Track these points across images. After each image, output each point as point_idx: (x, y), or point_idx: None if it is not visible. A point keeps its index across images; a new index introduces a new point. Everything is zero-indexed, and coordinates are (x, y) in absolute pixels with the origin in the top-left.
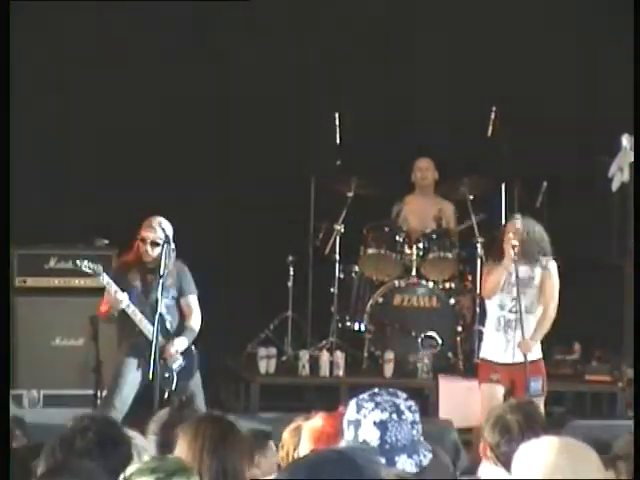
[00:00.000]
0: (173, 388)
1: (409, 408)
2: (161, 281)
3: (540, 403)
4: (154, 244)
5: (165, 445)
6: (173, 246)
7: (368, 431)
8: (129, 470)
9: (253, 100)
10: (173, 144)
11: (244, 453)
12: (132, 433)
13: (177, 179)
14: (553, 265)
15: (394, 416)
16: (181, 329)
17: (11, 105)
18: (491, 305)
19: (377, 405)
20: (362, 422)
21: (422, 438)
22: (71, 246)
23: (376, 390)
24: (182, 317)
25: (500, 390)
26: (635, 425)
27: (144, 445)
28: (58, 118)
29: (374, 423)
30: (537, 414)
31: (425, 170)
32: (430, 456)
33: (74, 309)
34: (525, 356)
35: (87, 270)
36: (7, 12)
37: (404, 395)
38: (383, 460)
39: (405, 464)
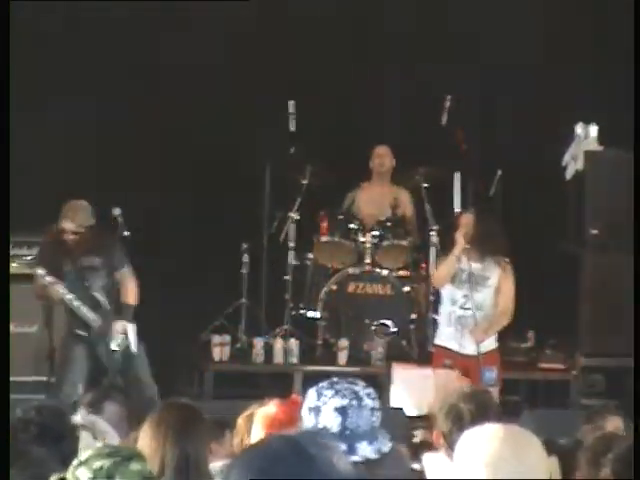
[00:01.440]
0: (118, 367)
1: (368, 395)
2: (89, 261)
3: (494, 393)
4: (75, 234)
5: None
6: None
7: (328, 417)
8: (84, 455)
9: (208, 86)
10: (130, 126)
11: (207, 440)
12: (93, 418)
13: (131, 162)
14: (509, 267)
15: (354, 402)
16: (119, 306)
17: None
18: (444, 298)
19: (337, 392)
20: (322, 409)
21: (382, 426)
22: (27, 233)
23: (335, 379)
24: (118, 294)
25: (454, 375)
26: (635, 425)
27: (106, 429)
28: None
29: (335, 409)
30: (491, 403)
31: (383, 157)
32: (390, 444)
33: (28, 296)
34: (478, 347)
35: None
36: (7, 12)
37: (363, 383)
38: (344, 446)
39: (365, 450)
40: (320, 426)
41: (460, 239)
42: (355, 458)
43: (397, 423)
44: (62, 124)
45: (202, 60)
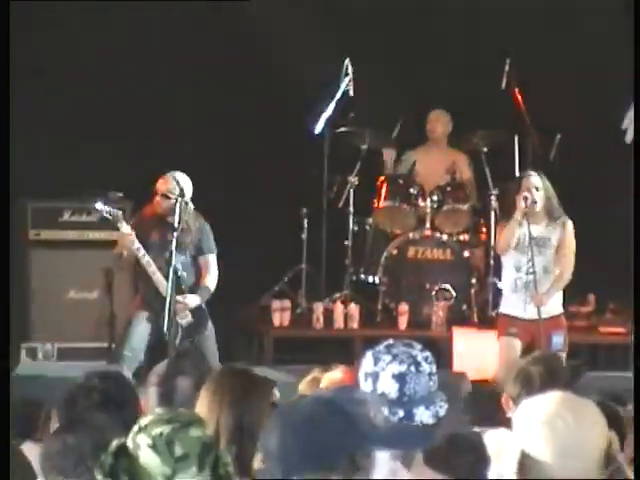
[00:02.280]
0: (177, 343)
1: (426, 359)
2: (175, 234)
3: (562, 358)
4: (165, 197)
5: (166, 396)
6: (190, 202)
7: (386, 384)
8: (144, 421)
9: (265, 55)
10: (185, 98)
11: (264, 408)
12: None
13: (191, 133)
14: (570, 225)
15: (412, 368)
16: (196, 287)
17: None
18: (507, 265)
19: (394, 357)
20: (380, 375)
21: (440, 390)
22: (85, 199)
23: (391, 341)
24: (199, 275)
25: (518, 344)
26: (635, 424)
27: None
28: (74, 69)
29: (392, 376)
30: (560, 368)
31: (436, 122)
32: (446, 406)
33: (88, 262)
34: (539, 311)
35: (107, 215)
36: (7, 12)
37: (420, 346)
38: (401, 412)
39: (423, 415)
40: (378, 392)
41: (521, 202)
42: (413, 423)
43: (457, 387)
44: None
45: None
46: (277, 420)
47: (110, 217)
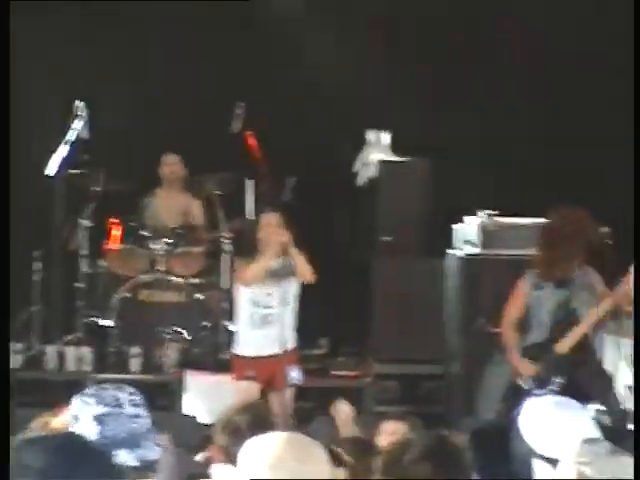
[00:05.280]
0: None
1: (131, 402)
2: None
3: (289, 396)
4: None
5: None
6: None
7: (87, 425)
8: None
9: None
10: None
11: None
12: None
13: None
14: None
15: (113, 410)
16: None
17: None
18: (243, 301)
19: (98, 400)
20: (80, 417)
21: (151, 433)
22: None
23: (103, 385)
24: None
25: (256, 386)
26: (635, 426)
27: None
28: None
29: (93, 417)
30: (267, 413)
31: (172, 165)
32: (158, 450)
33: None
34: (285, 347)
35: None
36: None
37: (130, 389)
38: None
39: (125, 458)
40: (80, 434)
41: (270, 241)
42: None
43: (187, 430)
44: None
45: None
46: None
47: None
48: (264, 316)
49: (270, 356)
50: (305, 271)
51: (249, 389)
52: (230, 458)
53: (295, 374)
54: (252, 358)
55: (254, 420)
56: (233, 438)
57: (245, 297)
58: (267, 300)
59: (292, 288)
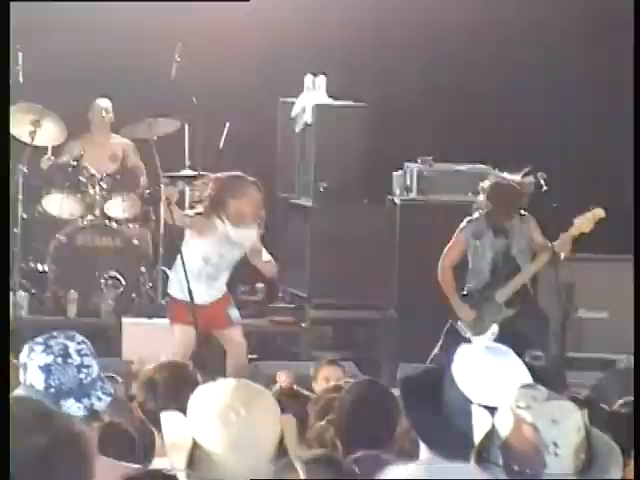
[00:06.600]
0: None
1: (78, 352)
2: None
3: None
4: None
5: None
6: None
7: (34, 375)
8: None
9: None
10: None
11: None
12: None
13: None
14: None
15: (59, 360)
16: None
17: None
18: (193, 255)
19: (46, 348)
20: (29, 365)
21: (99, 382)
22: None
23: (55, 333)
24: None
25: (193, 331)
26: (635, 421)
27: None
28: None
29: (39, 367)
30: (185, 372)
31: (103, 110)
32: (108, 399)
33: None
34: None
35: None
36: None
37: (80, 338)
38: (50, 404)
39: (72, 408)
40: (28, 383)
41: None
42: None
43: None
44: None
45: None
46: None
47: None
48: (211, 274)
49: (207, 304)
50: (269, 267)
51: (186, 333)
52: (146, 414)
53: (234, 312)
54: (191, 304)
55: (172, 379)
56: (149, 395)
57: (197, 252)
58: (218, 261)
59: (241, 253)
